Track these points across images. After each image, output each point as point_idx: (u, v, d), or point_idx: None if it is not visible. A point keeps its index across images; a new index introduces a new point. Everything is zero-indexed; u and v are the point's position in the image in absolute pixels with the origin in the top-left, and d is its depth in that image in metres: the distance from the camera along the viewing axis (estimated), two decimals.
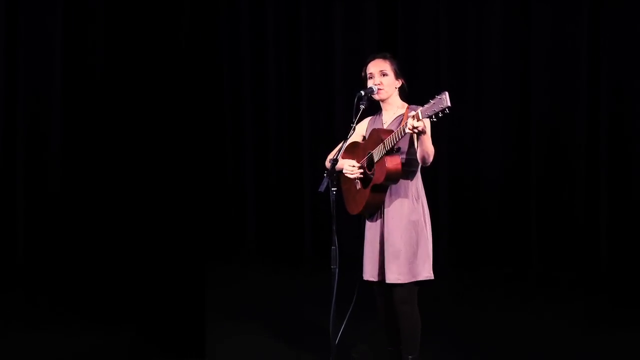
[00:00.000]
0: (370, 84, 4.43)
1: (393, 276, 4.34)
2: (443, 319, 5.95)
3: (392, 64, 4.46)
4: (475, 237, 8.09)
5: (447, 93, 3.92)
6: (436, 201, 7.81)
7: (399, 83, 4.48)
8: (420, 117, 4.02)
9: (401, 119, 4.35)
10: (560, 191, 7.88)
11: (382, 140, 4.30)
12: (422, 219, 4.40)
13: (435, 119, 4.00)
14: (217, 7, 8.73)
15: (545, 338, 5.71)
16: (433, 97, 3.98)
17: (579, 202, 7.83)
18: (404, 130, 4.14)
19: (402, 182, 4.34)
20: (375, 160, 4.34)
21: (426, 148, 4.18)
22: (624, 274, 7.47)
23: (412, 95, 4.54)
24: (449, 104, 3.90)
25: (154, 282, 6.82)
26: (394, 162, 4.25)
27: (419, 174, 4.39)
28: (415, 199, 4.38)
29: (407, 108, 4.33)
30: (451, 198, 8.14)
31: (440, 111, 3.95)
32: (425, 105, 4.02)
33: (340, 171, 4.50)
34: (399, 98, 4.49)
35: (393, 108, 4.49)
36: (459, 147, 8.05)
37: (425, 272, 4.37)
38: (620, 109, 7.61)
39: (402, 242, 4.36)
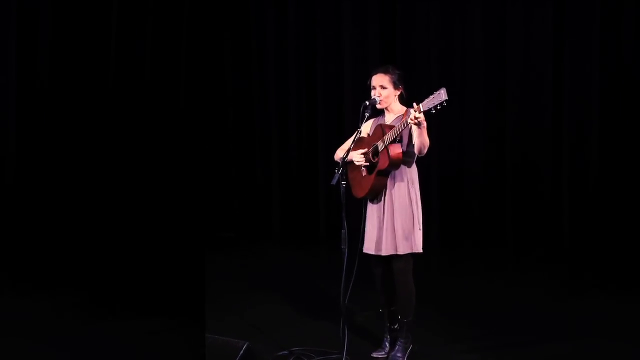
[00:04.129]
0: (373, 93, 4.61)
1: (391, 249, 4.56)
2: (432, 287, 6.28)
3: (391, 77, 4.60)
4: (460, 218, 8.51)
5: (444, 89, 4.09)
6: (428, 189, 8.11)
7: (398, 92, 4.64)
8: (422, 109, 4.18)
9: (402, 117, 4.55)
10: (531, 181, 8.25)
11: (385, 134, 4.47)
12: (416, 201, 4.61)
13: (434, 111, 4.13)
14: (249, 26, 9.29)
15: (515, 301, 6.19)
16: (432, 93, 4.13)
17: (546, 191, 8.22)
18: (406, 122, 4.29)
19: (401, 170, 4.56)
20: (380, 149, 4.50)
21: (424, 140, 4.36)
22: (581, 250, 7.89)
23: (409, 96, 4.71)
24: (446, 98, 4.06)
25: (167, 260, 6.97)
26: (396, 151, 4.46)
27: (414, 164, 4.61)
28: (411, 184, 4.61)
29: (406, 110, 4.50)
30: (441, 186, 8.51)
31: (439, 104, 4.10)
32: (426, 100, 4.16)
33: (350, 162, 4.67)
34: (398, 104, 4.68)
35: (394, 112, 4.69)
36: (447, 143, 8.33)
37: (418, 246, 4.58)
38: (579, 115, 8.07)
39: (400, 220, 4.56)
